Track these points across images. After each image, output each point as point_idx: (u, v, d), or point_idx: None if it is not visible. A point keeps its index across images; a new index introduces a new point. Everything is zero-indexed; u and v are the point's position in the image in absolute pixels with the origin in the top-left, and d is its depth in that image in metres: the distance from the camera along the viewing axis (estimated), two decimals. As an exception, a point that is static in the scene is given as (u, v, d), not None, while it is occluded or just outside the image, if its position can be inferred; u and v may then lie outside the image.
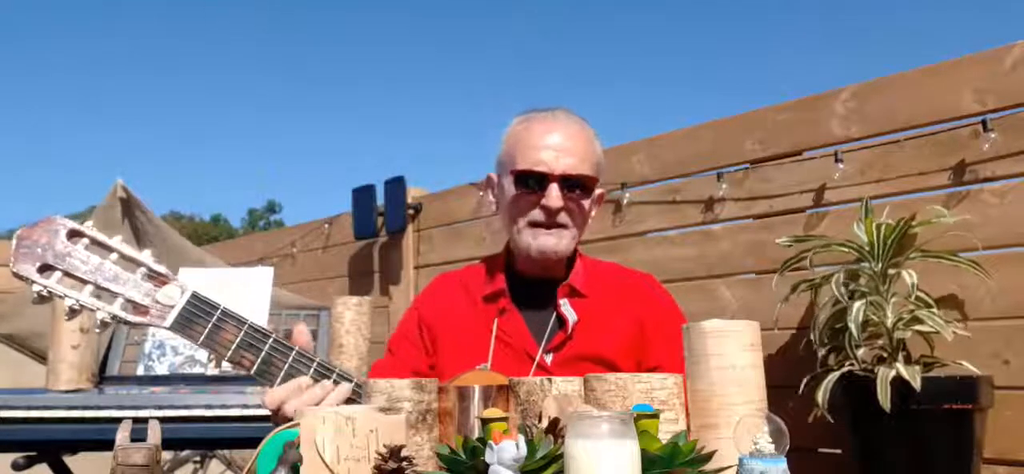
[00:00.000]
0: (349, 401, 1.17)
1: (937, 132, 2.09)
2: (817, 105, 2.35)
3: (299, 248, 4.51)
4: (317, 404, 1.14)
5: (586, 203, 1.47)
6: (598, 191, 1.53)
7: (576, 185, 1.43)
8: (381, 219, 3.85)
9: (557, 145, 1.43)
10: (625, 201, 2.78)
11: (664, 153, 2.72)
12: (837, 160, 2.23)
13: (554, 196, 1.41)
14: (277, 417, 1.15)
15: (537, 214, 1.44)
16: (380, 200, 3.85)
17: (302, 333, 1.22)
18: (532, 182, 1.43)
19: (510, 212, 1.48)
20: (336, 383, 1.17)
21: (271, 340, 1.17)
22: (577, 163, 1.43)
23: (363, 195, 3.92)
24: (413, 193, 3.79)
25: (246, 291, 2.30)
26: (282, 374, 1.17)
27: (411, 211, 3.76)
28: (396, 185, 3.76)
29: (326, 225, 4.35)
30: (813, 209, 2.31)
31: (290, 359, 1.17)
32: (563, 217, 1.44)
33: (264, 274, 2.39)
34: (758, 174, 2.45)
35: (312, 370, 1.18)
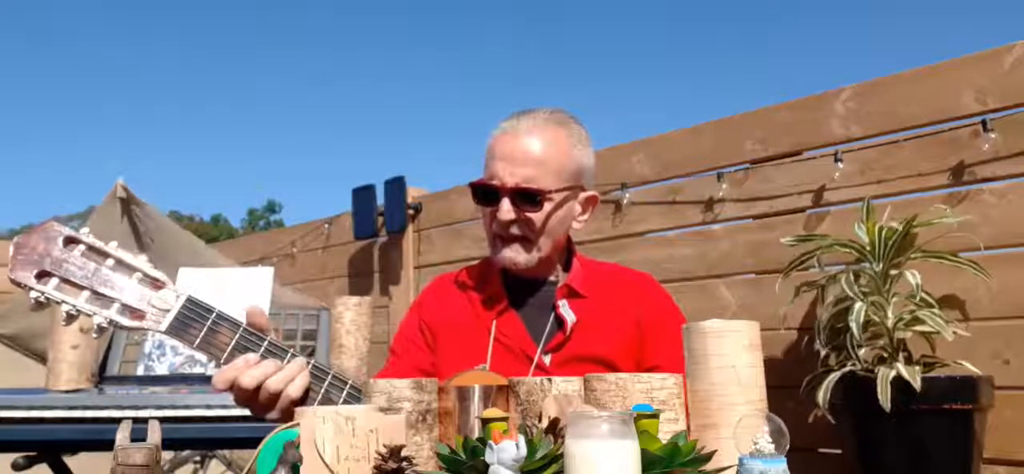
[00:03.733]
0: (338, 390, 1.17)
1: (937, 132, 2.09)
2: (817, 105, 2.35)
3: (299, 248, 4.51)
4: (267, 379, 1.13)
5: (536, 215, 1.41)
6: (587, 194, 1.50)
7: (526, 198, 1.40)
8: (381, 219, 3.85)
9: (512, 157, 1.40)
10: (625, 201, 2.78)
11: (664, 153, 2.72)
12: (837, 160, 2.23)
13: (503, 210, 1.40)
14: (235, 396, 1.15)
15: (495, 227, 1.44)
16: (380, 200, 3.85)
17: (255, 314, 1.20)
18: (486, 196, 1.42)
19: (483, 223, 1.49)
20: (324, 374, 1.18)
21: (266, 342, 1.17)
22: (531, 175, 1.39)
23: (363, 195, 3.91)
24: (413, 193, 3.79)
25: (246, 291, 2.30)
26: None
27: (411, 211, 3.76)
28: (396, 185, 3.76)
29: (326, 225, 4.35)
30: (813, 209, 2.31)
31: (286, 360, 1.18)
32: (516, 230, 1.42)
33: (264, 274, 2.39)
34: (758, 174, 2.45)
35: (309, 369, 1.19)
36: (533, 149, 1.41)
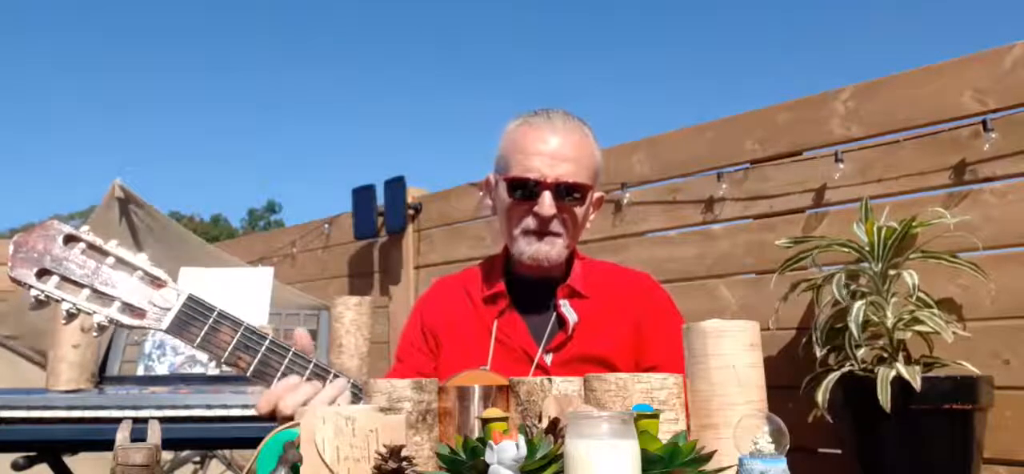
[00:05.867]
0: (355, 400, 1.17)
1: (937, 132, 2.09)
2: (817, 105, 2.35)
3: (299, 248, 4.51)
4: (310, 400, 1.13)
5: (579, 210, 1.44)
6: (596, 194, 1.51)
7: (569, 193, 1.41)
8: (381, 219, 3.85)
9: (551, 152, 1.40)
10: (625, 201, 2.78)
11: (664, 153, 2.72)
12: (837, 160, 2.23)
13: (546, 205, 1.40)
14: (276, 418, 1.15)
15: (530, 222, 1.42)
16: (380, 200, 3.85)
17: (302, 336, 1.22)
18: (525, 189, 1.41)
19: (505, 218, 1.47)
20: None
21: (268, 341, 1.17)
22: (571, 170, 1.41)
23: (363, 195, 3.91)
24: (413, 193, 3.79)
25: (246, 291, 2.29)
26: (279, 375, 1.17)
27: (411, 211, 3.76)
28: (396, 185, 3.75)
29: (326, 225, 4.35)
30: (813, 209, 2.31)
31: (286, 360, 1.18)
32: (556, 225, 1.42)
33: (264, 274, 2.39)
34: (758, 174, 2.45)
35: (308, 371, 1.18)
36: (571, 144, 1.42)
